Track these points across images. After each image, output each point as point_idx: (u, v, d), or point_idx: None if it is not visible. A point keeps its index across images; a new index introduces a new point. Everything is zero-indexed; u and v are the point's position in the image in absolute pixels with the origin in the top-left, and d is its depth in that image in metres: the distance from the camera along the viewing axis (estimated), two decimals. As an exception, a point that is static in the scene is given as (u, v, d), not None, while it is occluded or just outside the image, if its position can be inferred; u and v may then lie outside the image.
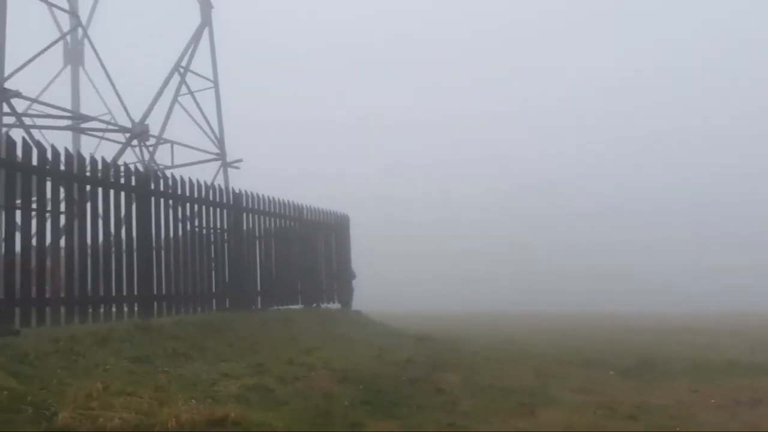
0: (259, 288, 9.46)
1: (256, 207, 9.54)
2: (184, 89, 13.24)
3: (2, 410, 3.09)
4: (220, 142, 14.00)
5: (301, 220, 10.84)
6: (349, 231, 12.62)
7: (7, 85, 9.09)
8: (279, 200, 10.21)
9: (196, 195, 8.21)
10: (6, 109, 9.12)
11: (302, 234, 10.89)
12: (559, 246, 37.98)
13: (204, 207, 8.35)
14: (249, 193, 9.40)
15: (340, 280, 12.06)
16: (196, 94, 13.57)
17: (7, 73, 9.26)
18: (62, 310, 6.10)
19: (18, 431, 2.80)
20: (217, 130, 13.98)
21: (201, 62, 13.95)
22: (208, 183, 8.71)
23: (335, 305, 11.73)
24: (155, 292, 7.32)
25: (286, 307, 10.05)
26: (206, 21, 14.21)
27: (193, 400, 3.56)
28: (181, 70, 13.14)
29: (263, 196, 9.75)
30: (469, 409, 4.74)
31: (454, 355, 7.91)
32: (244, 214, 9.26)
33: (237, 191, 9.21)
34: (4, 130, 9.03)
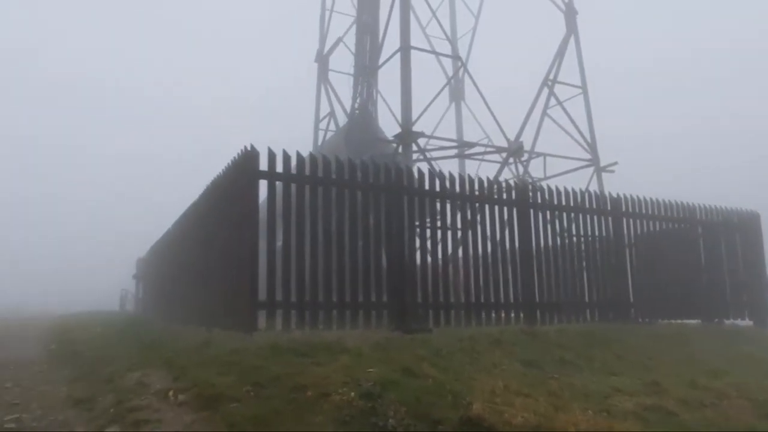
0: (640, 298, 8.71)
1: (636, 210, 8.88)
2: (552, 101, 13.58)
3: (430, 393, 3.77)
4: (592, 148, 13.69)
5: (692, 221, 9.50)
6: (761, 231, 10.32)
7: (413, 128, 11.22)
8: (663, 201, 9.23)
9: (572, 203, 8.24)
10: (414, 147, 11.28)
11: (693, 237, 9.51)
12: None
13: (580, 215, 8.29)
14: (628, 196, 8.84)
15: (751, 291, 9.95)
16: (564, 103, 13.73)
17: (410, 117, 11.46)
18: (462, 313, 7.04)
19: (443, 413, 3.38)
20: (588, 136, 13.75)
21: (565, 70, 14.07)
22: (582, 190, 8.61)
23: (745, 322, 9.74)
24: (537, 300, 7.64)
25: (677, 321, 8.93)
26: (571, 29, 14.26)
27: (589, 411, 3.54)
28: (549, 83, 13.53)
29: (644, 198, 9.00)
30: None
31: None
32: (624, 219, 8.74)
33: (615, 196, 8.78)
34: (416, 165, 11.14)
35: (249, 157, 5.99)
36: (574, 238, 8.19)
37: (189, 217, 9.55)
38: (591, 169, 13.65)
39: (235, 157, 6.44)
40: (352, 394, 3.56)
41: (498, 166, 12.81)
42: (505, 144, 12.60)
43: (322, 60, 17.13)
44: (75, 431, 3.91)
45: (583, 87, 14.03)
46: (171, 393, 4.37)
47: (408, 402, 3.50)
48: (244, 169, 6.04)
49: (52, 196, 65.13)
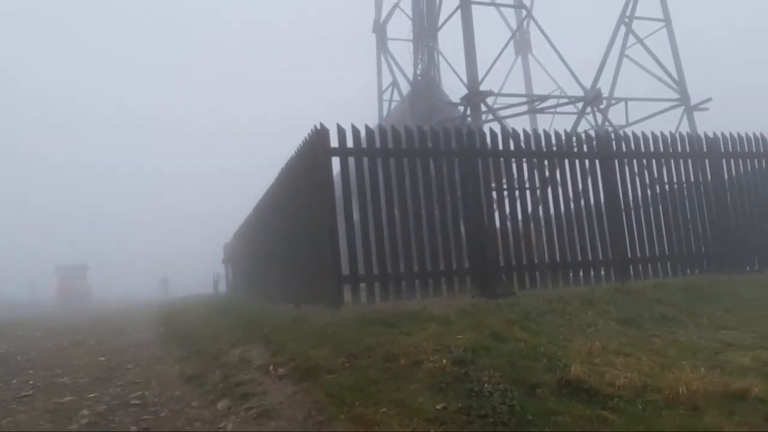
0: (748, 245, 8.01)
1: (739, 150, 8.12)
2: (631, 39, 12.59)
3: (523, 357, 3.69)
4: (680, 86, 12.60)
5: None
6: None
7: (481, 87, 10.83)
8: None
9: (661, 149, 7.65)
10: (482, 108, 10.91)
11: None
12: None
13: (672, 160, 7.69)
14: (727, 135, 8.09)
15: None
16: (645, 40, 12.68)
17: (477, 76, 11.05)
18: (547, 274, 6.81)
19: (539, 377, 3.29)
20: (674, 73, 12.66)
21: (643, 3, 12.93)
22: (673, 133, 7.97)
23: None
24: (629, 255, 7.25)
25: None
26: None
27: (700, 369, 3.31)
28: (626, 20, 12.52)
29: (748, 135, 8.21)
30: None
31: None
32: (724, 161, 8.03)
33: (712, 136, 8.06)
34: (487, 125, 10.81)
35: (319, 135, 6.04)
36: (667, 187, 7.64)
37: (267, 200, 9.88)
38: (680, 110, 12.60)
39: (306, 137, 6.53)
40: (444, 361, 3.55)
41: (574, 118, 12.14)
42: (580, 93, 11.89)
43: (380, 29, 16.89)
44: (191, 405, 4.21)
45: (666, 19, 12.86)
46: (271, 367, 4.59)
47: (501, 367, 3.43)
48: (315, 147, 6.11)
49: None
